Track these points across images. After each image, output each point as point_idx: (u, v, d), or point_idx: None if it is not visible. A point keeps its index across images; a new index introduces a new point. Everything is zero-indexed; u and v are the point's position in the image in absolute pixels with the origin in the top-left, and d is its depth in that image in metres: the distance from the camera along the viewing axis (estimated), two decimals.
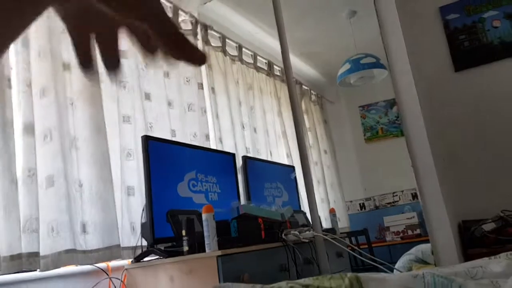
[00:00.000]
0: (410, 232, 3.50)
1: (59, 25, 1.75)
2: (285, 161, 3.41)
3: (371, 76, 3.41)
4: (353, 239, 3.25)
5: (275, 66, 3.65)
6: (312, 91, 4.21)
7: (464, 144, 2.71)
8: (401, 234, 3.49)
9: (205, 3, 2.88)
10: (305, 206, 3.05)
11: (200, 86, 2.61)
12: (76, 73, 1.82)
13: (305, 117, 3.93)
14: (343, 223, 3.76)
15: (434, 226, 2.35)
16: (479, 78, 2.70)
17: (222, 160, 2.40)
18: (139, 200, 1.96)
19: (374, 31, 2.52)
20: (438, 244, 2.31)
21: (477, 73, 2.71)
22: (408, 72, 2.42)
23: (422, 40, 2.84)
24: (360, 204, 3.91)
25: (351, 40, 3.46)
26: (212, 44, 2.86)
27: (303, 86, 4.05)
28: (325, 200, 3.87)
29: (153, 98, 2.22)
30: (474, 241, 2.31)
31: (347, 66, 3.41)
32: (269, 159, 3.17)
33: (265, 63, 3.53)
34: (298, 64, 3.87)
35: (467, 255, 2.28)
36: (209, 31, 2.84)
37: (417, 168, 2.39)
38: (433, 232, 2.35)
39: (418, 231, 3.42)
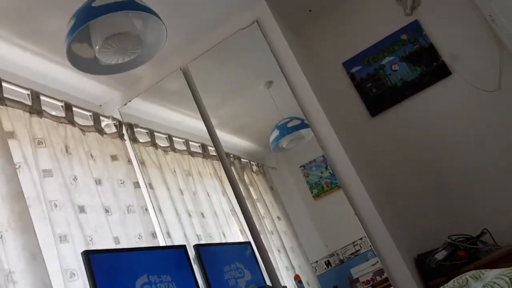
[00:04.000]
0: (378, 278, 3.49)
1: None
2: (240, 238, 3.38)
3: (301, 136, 3.56)
4: None
5: (209, 147, 3.73)
6: (252, 162, 4.30)
7: (399, 182, 2.84)
8: (371, 282, 3.48)
9: (125, 104, 2.96)
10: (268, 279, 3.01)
11: (136, 185, 2.61)
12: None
13: (251, 189, 3.97)
14: (313, 286, 3.71)
15: (391, 268, 2.39)
16: (394, 117, 2.90)
17: (174, 256, 2.35)
18: None
19: (292, 95, 2.68)
20: (400, 285, 2.34)
21: (391, 114, 2.91)
22: (329, 129, 2.57)
23: (336, 94, 3.05)
24: (325, 262, 3.88)
25: (274, 107, 3.63)
26: (141, 141, 2.90)
27: (242, 160, 4.12)
28: (289, 267, 3.82)
29: (88, 210, 2.18)
30: (432, 272, 2.36)
31: (276, 132, 3.54)
32: (224, 240, 3.14)
33: (199, 146, 3.60)
34: (232, 139, 3.97)
35: (429, 287, 2.32)
36: (135, 129, 2.89)
37: (361, 216, 2.47)
38: (393, 275, 2.39)
39: (385, 275, 3.43)
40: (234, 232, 3.36)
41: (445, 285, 1.35)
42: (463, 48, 2.78)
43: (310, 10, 3.11)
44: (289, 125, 3.49)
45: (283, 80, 2.77)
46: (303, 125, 3.49)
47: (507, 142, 2.62)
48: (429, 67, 2.83)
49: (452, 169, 2.72)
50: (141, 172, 2.75)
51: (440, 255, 2.35)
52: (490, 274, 1.13)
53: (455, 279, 1.35)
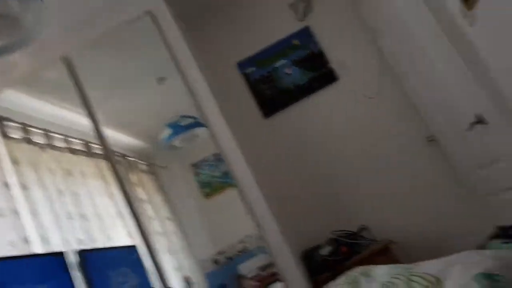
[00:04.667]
0: (264, 273, 3.57)
1: None
2: (127, 241, 3.20)
3: (194, 135, 3.50)
4: None
5: (93, 145, 3.48)
6: (140, 161, 4.11)
7: (287, 181, 2.94)
8: (259, 278, 3.55)
9: None
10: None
11: (5, 185, 2.32)
12: None
13: (139, 189, 3.80)
14: (201, 285, 3.68)
15: (281, 264, 2.45)
16: (286, 120, 2.99)
17: (49, 263, 2.13)
18: None
19: (187, 92, 2.61)
20: (289, 280, 2.41)
21: (283, 116, 3.00)
22: (225, 128, 2.55)
23: (231, 94, 3.04)
24: (214, 260, 3.87)
25: (167, 104, 3.52)
26: (13, 136, 2.59)
27: (130, 158, 3.92)
28: (179, 268, 3.74)
29: None
30: (318, 267, 2.47)
31: (168, 130, 3.44)
32: (109, 244, 2.95)
33: (81, 143, 3.33)
34: (119, 136, 3.76)
35: (316, 282, 2.42)
36: (6, 123, 2.58)
37: (254, 214, 2.49)
38: (281, 270, 2.45)
39: (271, 270, 3.52)
40: (121, 235, 3.18)
41: (336, 281, 1.41)
42: (349, 56, 2.96)
43: (205, 8, 3.06)
44: (183, 123, 3.41)
45: (176, 77, 2.68)
46: (196, 123, 3.44)
47: (382, 146, 2.85)
48: (318, 72, 2.97)
49: (335, 170, 2.88)
50: (13, 171, 2.46)
51: (324, 251, 2.47)
52: (379, 272, 1.19)
53: (345, 275, 1.41)
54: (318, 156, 2.92)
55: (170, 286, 2.77)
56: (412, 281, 0.93)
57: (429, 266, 0.94)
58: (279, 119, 2.98)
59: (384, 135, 2.87)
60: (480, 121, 1.97)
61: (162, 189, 4.12)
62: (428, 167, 2.79)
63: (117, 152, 3.09)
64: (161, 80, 3.50)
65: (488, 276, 0.78)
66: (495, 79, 1.79)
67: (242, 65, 3.05)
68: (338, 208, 2.83)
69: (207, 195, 3.98)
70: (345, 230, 2.58)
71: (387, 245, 2.37)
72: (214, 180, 4.01)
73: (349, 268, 1.91)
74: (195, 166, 4.04)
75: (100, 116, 2.87)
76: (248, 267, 3.53)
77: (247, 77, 3.04)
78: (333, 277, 2.12)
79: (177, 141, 3.54)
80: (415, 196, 2.77)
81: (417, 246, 2.58)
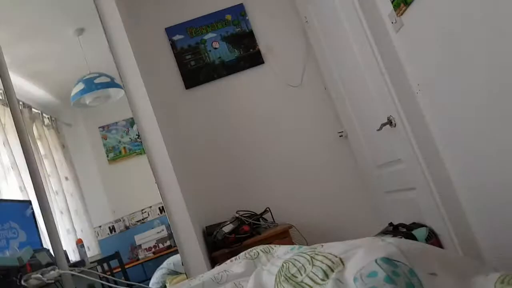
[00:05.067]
0: (161, 246, 3.54)
1: None
2: (18, 195, 2.97)
3: (107, 95, 3.33)
4: (105, 265, 3.09)
5: None
6: (44, 114, 3.82)
7: (200, 156, 2.92)
8: (153, 249, 3.51)
9: None
10: (48, 242, 2.73)
11: None
12: None
13: (39, 143, 3.54)
14: (93, 251, 3.54)
15: (181, 237, 2.44)
16: (206, 94, 2.96)
17: None
18: None
19: (106, 49, 2.47)
20: (187, 254, 2.41)
21: (204, 90, 2.96)
22: (143, 91, 2.45)
23: (154, 59, 2.93)
24: (110, 227, 3.75)
25: (82, 58, 3.30)
26: None
27: (33, 110, 3.63)
28: (71, 230, 3.56)
29: None
30: (218, 244, 2.50)
31: (81, 86, 3.23)
32: None
33: None
34: (25, 85, 3.45)
35: (212, 258, 2.45)
36: None
37: (161, 184, 2.44)
38: (181, 243, 2.44)
39: (168, 243, 3.50)
40: (13, 188, 2.94)
41: (237, 256, 1.43)
42: (278, 42, 3.01)
43: None
44: (97, 81, 3.22)
45: (97, 30, 2.52)
46: (112, 83, 3.27)
47: (295, 135, 2.96)
48: (246, 52, 2.97)
49: (248, 151, 2.93)
50: None
51: (227, 228, 2.50)
52: (281, 250, 1.23)
53: (247, 251, 1.44)
54: (234, 135, 2.94)
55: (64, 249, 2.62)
56: (316, 259, 0.97)
57: (333, 247, 1.00)
58: (200, 93, 2.95)
59: (299, 125, 2.97)
60: (389, 123, 2.12)
61: (64, 146, 3.88)
62: (336, 160, 2.94)
63: (21, 101, 2.85)
64: (79, 31, 3.26)
65: (389, 261, 0.85)
66: (410, 86, 1.93)
67: (170, 31, 2.95)
68: (246, 188, 2.89)
69: (112, 160, 3.83)
70: (249, 211, 2.64)
71: (286, 229, 2.47)
72: (122, 146, 3.87)
73: (248, 246, 1.97)
74: (104, 128, 3.86)
75: (7, 59, 2.61)
76: (145, 238, 3.47)
77: (173, 44, 2.95)
78: (230, 254, 2.18)
79: (88, 99, 3.34)
80: (320, 186, 2.91)
81: (314, 233, 2.74)
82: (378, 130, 2.17)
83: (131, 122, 3.79)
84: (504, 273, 0.83)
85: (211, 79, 2.94)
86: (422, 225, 2.13)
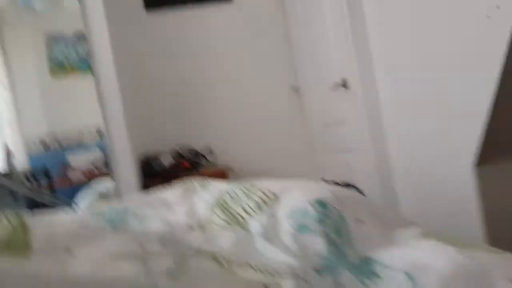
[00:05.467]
0: (95, 170, 3.47)
1: None
2: None
3: (60, 3, 3.11)
4: (34, 180, 2.99)
5: None
6: None
7: (151, 84, 2.83)
8: (86, 173, 3.43)
9: None
10: None
11: None
12: None
13: None
14: (22, 164, 3.41)
15: (118, 162, 2.40)
16: (167, 20, 2.83)
17: None
18: None
19: None
20: (121, 179, 2.38)
21: (166, 16, 2.83)
22: (99, 5, 2.31)
23: None
24: (42, 142, 3.61)
25: None
26: None
27: None
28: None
29: None
30: (154, 175, 2.48)
31: None
32: None
33: None
34: None
35: (146, 188, 2.43)
36: None
37: (104, 105, 2.36)
38: (117, 168, 2.40)
39: (102, 168, 3.43)
40: None
41: (173, 185, 1.42)
42: None
43: None
44: None
45: None
46: None
47: (249, 80, 2.93)
48: None
49: (199, 87, 2.87)
50: None
51: (166, 160, 2.49)
52: (218, 184, 1.24)
53: (183, 182, 1.43)
54: (188, 70, 2.86)
55: None
56: (252, 192, 0.99)
57: (270, 184, 1.02)
58: (161, 17, 2.81)
59: (255, 70, 2.94)
60: (343, 84, 2.15)
61: (2, 48, 3.61)
62: (285, 112, 2.96)
63: None
64: None
65: (322, 204, 0.88)
66: (371, 53, 1.95)
67: None
68: (192, 125, 2.85)
69: (54, 74, 3.62)
70: (191, 147, 2.63)
71: (225, 171, 2.49)
72: (67, 61, 3.66)
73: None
74: (50, 38, 3.62)
75: None
76: (79, 159, 3.38)
77: None
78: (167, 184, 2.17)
79: (37, 4, 3.10)
80: (265, 135, 2.94)
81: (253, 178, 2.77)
82: (332, 89, 2.20)
83: (82, 38, 3.58)
84: (424, 230, 0.88)
85: (175, 5, 2.80)
86: (352, 186, 2.23)
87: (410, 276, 0.61)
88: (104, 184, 2.85)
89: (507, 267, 0.59)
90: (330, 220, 0.85)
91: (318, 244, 0.77)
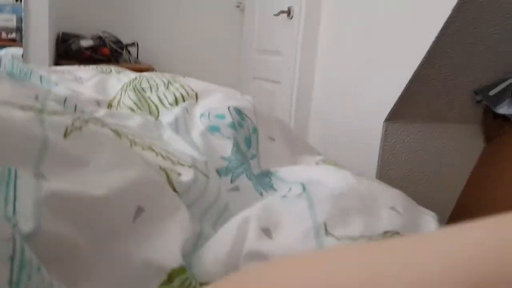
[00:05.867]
0: (4, 35, 3.15)
1: None
2: None
3: None
4: None
5: None
6: None
7: None
8: None
9: None
10: None
11: None
12: None
13: None
14: None
15: (31, 31, 2.19)
16: None
17: None
18: None
19: None
20: (32, 50, 2.19)
21: None
22: None
23: None
24: None
25: None
26: None
27: None
28: None
29: None
30: (69, 54, 2.31)
31: None
32: None
33: None
34: None
35: (59, 65, 2.26)
36: None
37: None
38: (29, 38, 2.20)
39: (13, 35, 3.12)
40: None
41: (89, 66, 1.33)
42: None
43: None
44: None
45: None
46: None
47: None
48: None
49: None
50: None
51: (85, 42, 2.31)
52: (133, 74, 1.17)
53: (100, 66, 1.35)
54: None
55: None
56: (172, 85, 0.95)
57: (194, 82, 0.98)
58: None
59: None
60: (288, 12, 2.10)
61: None
62: (223, 28, 2.88)
63: None
64: None
65: (240, 112, 0.87)
66: None
67: None
68: (121, 15, 2.65)
69: None
70: (116, 37, 2.45)
71: (148, 68, 2.38)
72: None
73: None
74: None
75: None
76: None
77: None
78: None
79: None
80: (197, 44, 2.84)
81: None
82: (275, 15, 2.14)
83: None
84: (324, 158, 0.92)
85: None
86: None
87: (303, 187, 0.63)
88: (12, 51, 2.59)
89: (392, 198, 0.64)
90: (243, 130, 0.85)
91: (225, 147, 0.77)
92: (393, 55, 1.51)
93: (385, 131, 1.52)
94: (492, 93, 1.56)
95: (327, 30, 1.93)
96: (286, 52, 2.15)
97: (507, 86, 1.54)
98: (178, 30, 2.79)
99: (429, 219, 0.63)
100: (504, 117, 1.56)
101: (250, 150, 0.83)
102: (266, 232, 0.52)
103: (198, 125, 0.81)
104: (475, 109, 1.62)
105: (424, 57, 1.36)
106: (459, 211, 1.71)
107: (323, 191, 0.59)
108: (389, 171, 1.55)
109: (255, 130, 0.87)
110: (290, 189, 0.65)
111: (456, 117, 1.61)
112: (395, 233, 0.54)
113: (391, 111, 1.53)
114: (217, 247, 0.54)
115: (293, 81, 2.11)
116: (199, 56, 2.85)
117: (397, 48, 1.49)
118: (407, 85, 1.44)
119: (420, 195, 1.55)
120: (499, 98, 1.55)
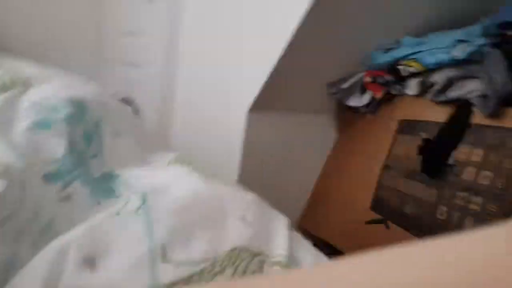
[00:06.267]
0: None
1: None
2: None
3: None
4: None
5: None
6: None
7: None
8: None
9: None
10: None
11: None
12: None
13: None
14: None
15: None
16: None
17: None
18: None
19: None
20: None
21: None
22: None
23: None
24: None
25: None
26: None
27: None
28: None
29: None
30: None
31: None
32: None
33: None
34: None
35: None
36: None
37: None
38: None
39: None
40: None
41: None
42: None
43: None
44: None
45: None
46: None
47: None
48: None
49: None
50: None
51: None
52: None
53: None
54: None
55: None
56: (1, 68, 0.79)
57: (27, 66, 0.83)
58: None
59: None
60: None
61: None
62: (82, 5, 2.59)
63: None
64: None
65: (80, 104, 0.75)
66: None
67: None
68: None
69: None
70: None
71: None
72: None
73: None
74: None
75: None
76: None
77: None
78: None
79: None
80: (52, 20, 2.52)
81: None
82: None
83: None
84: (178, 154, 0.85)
85: None
86: (130, 101, 2.11)
87: (143, 198, 0.55)
88: None
89: (243, 206, 0.59)
90: (83, 124, 0.73)
91: (56, 146, 0.65)
92: (258, 44, 1.49)
93: (246, 122, 1.51)
94: (345, 86, 1.65)
95: (192, 12, 1.84)
96: (155, 32, 2.01)
97: (358, 80, 1.64)
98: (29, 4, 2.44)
99: (279, 225, 0.60)
100: (355, 110, 1.66)
101: (91, 148, 0.72)
102: (90, 262, 0.43)
103: (23, 120, 0.67)
104: (331, 101, 1.70)
105: (284, 48, 1.36)
106: (316, 199, 1.80)
107: (166, 203, 0.52)
108: (249, 164, 1.54)
109: (98, 125, 0.76)
110: (126, 202, 0.56)
111: (314, 108, 1.67)
112: (243, 249, 0.50)
113: (254, 101, 1.52)
114: (31, 278, 0.44)
115: (156, 66, 1.98)
116: (49, 37, 2.53)
117: (260, 39, 1.48)
118: (268, 75, 1.43)
119: (278, 186, 1.59)
120: (350, 90, 1.65)
